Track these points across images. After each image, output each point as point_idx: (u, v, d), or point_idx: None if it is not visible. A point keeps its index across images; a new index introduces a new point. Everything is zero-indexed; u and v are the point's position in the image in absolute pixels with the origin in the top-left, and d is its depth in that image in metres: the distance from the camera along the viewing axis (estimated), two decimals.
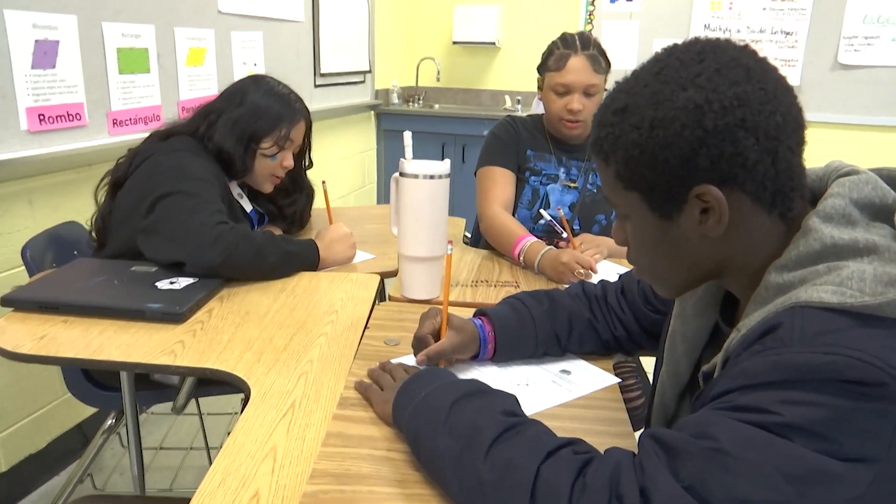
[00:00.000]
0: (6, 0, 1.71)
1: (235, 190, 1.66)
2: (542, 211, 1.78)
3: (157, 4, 2.25)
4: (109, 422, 1.70)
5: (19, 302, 1.25)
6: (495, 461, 0.69)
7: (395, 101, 4.58)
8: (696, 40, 0.73)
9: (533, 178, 1.83)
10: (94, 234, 1.57)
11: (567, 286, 1.22)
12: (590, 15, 4.57)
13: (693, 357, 0.90)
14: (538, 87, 1.85)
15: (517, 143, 1.83)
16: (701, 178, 0.69)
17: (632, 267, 0.86)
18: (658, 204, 0.73)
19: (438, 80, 4.74)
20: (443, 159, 1.32)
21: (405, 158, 1.32)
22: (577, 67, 1.70)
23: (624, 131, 0.72)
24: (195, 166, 1.48)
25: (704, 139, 0.67)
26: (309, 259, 1.51)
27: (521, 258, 1.60)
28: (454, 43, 4.62)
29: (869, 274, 0.64)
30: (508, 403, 0.79)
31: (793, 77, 4.31)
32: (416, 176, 1.29)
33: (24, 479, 2.00)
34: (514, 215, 1.80)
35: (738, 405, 0.63)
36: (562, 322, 1.12)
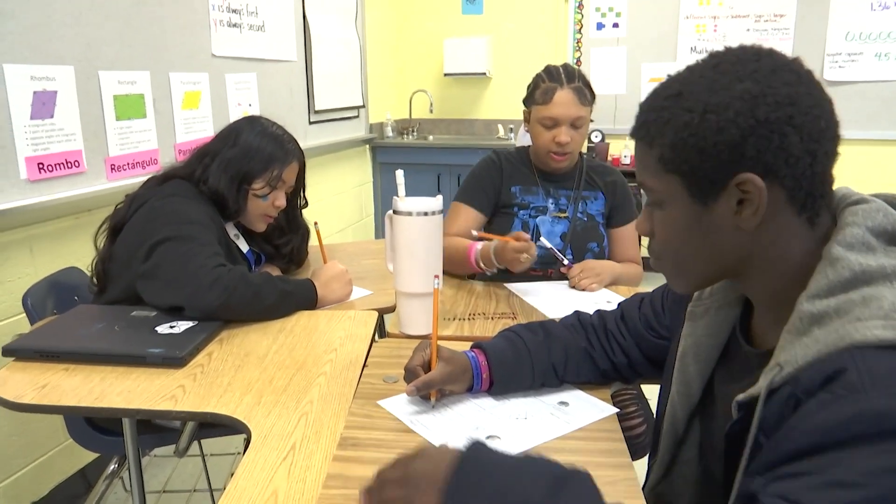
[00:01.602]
0: (5, 54, 1.76)
1: (232, 231, 1.68)
2: (542, 239, 1.79)
3: (151, 51, 2.30)
4: (112, 466, 1.70)
5: (20, 351, 1.26)
6: None
7: (390, 134, 4.63)
8: (752, 46, 0.76)
9: (521, 212, 1.85)
10: (94, 280, 1.59)
11: (563, 317, 1.23)
12: (577, 42, 4.64)
13: (705, 376, 0.92)
14: (524, 119, 1.88)
15: (499, 183, 1.86)
16: (745, 166, 0.71)
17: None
18: (698, 188, 0.75)
19: (431, 111, 4.80)
20: (438, 190, 1.35)
21: (398, 196, 1.35)
22: (563, 101, 1.74)
23: (675, 115, 0.74)
24: (191, 210, 1.51)
25: (755, 128, 0.70)
26: (307, 298, 1.53)
27: (480, 263, 1.67)
28: (445, 75, 4.69)
29: None
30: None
31: None
32: (409, 213, 1.32)
33: None
34: None
35: (832, 481, 0.60)
36: (558, 352, 1.13)
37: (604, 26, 4.59)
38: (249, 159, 1.60)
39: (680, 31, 4.47)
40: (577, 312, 1.22)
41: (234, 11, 2.77)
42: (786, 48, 4.33)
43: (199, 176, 1.60)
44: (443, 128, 4.94)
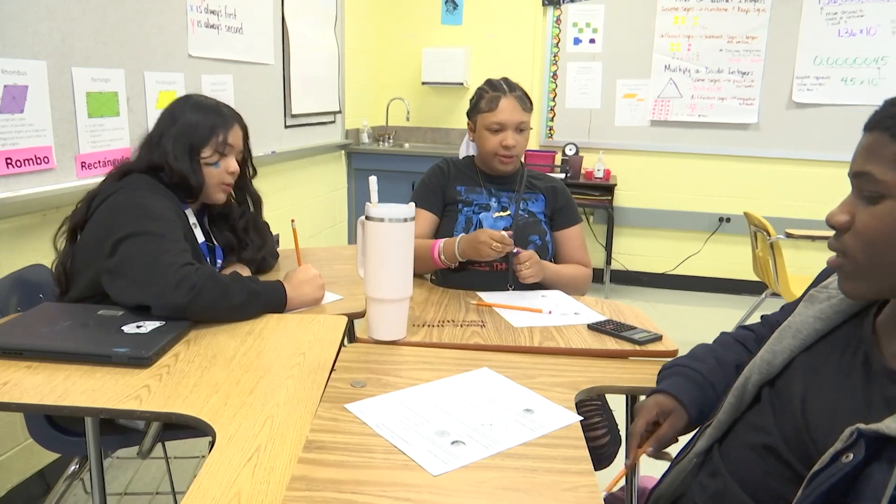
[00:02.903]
0: None
1: (191, 219, 1.66)
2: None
3: (127, 49, 2.28)
4: (73, 467, 1.67)
5: None
6: None
7: (366, 140, 4.64)
8: None
9: (465, 208, 1.94)
10: (56, 282, 1.57)
11: (716, 339, 1.22)
12: (554, 56, 4.70)
13: (794, 354, 0.93)
14: (469, 129, 1.99)
15: (444, 183, 1.97)
16: None
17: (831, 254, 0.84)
18: None
19: (408, 119, 4.82)
20: (411, 196, 1.35)
21: (370, 202, 1.36)
22: (508, 107, 1.86)
23: None
24: (156, 205, 1.50)
25: None
26: (276, 299, 1.53)
27: (441, 257, 1.78)
28: (423, 83, 4.72)
29: None
30: None
31: (749, 115, 4.48)
32: (381, 219, 1.33)
33: None
34: None
35: None
36: (730, 373, 1.11)
37: (580, 41, 4.65)
38: (193, 131, 1.60)
39: (655, 49, 4.55)
40: (723, 333, 1.22)
41: (213, 13, 2.76)
42: (756, 69, 4.44)
43: (157, 162, 1.58)
44: (419, 136, 4.96)
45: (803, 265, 4.11)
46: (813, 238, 3.53)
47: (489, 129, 1.88)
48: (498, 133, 1.88)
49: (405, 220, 1.33)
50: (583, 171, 4.57)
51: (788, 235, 3.47)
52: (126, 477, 2.27)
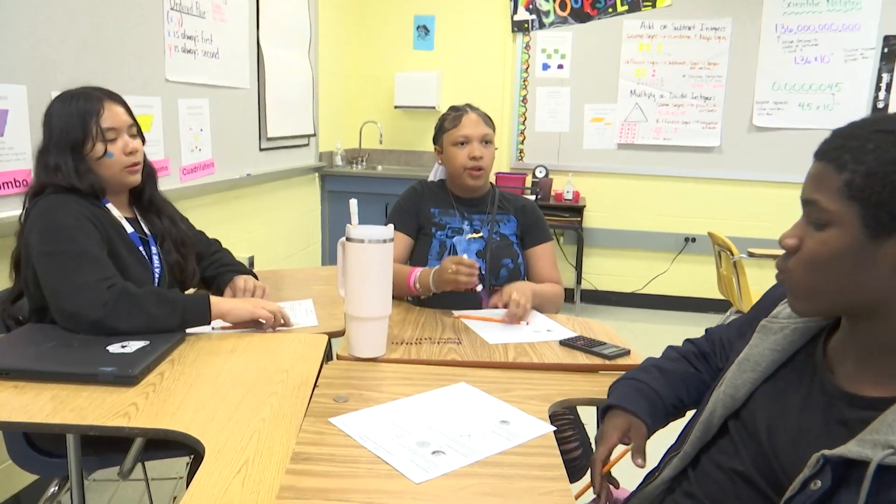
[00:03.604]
0: None
1: (114, 212, 1.63)
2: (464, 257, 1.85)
3: (106, 74, 2.31)
4: (52, 489, 1.68)
5: None
6: None
7: (339, 163, 4.69)
8: None
9: (439, 232, 2.00)
10: (18, 318, 1.61)
11: (663, 353, 1.29)
12: (524, 81, 4.82)
13: (755, 386, 0.98)
14: (437, 153, 2.06)
15: (419, 205, 2.03)
16: None
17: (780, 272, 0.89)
18: (875, 222, 0.78)
19: (381, 142, 4.89)
20: (387, 218, 1.41)
21: (351, 224, 1.41)
22: (472, 121, 1.99)
23: (883, 148, 0.77)
24: (65, 217, 1.49)
25: None
26: (197, 308, 1.52)
27: (417, 286, 1.84)
28: (396, 107, 4.80)
29: None
30: None
31: (712, 138, 4.64)
32: (361, 241, 1.38)
33: None
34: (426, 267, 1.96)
35: None
36: (678, 385, 1.19)
37: (549, 67, 4.78)
38: (68, 132, 1.54)
39: (621, 74, 4.70)
40: (670, 347, 1.29)
41: (190, 38, 2.81)
42: (718, 94, 4.61)
43: (51, 178, 1.54)
44: (392, 158, 5.03)
45: (766, 283, 4.22)
46: (774, 257, 3.65)
47: (455, 144, 1.97)
48: (464, 146, 1.97)
49: (384, 241, 1.39)
50: (553, 193, 4.67)
51: (751, 254, 3.59)
52: (103, 500, 2.26)
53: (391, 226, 1.42)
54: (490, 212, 2.02)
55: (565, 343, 1.58)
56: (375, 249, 1.39)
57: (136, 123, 1.66)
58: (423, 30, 4.84)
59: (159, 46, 2.61)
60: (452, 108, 2.04)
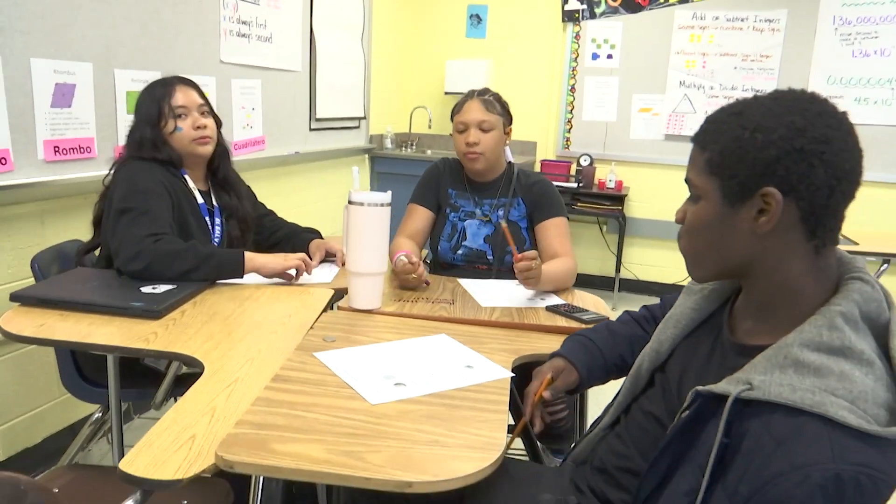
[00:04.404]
0: (33, 49, 2.02)
1: (190, 184, 1.91)
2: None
3: (164, 54, 2.56)
4: (97, 415, 1.93)
5: (24, 298, 1.50)
6: None
7: (389, 145, 4.88)
8: (812, 92, 0.90)
9: (453, 214, 2.13)
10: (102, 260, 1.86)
11: (618, 317, 1.42)
12: (573, 70, 4.89)
13: (676, 341, 1.11)
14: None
15: (439, 182, 2.16)
16: (772, 182, 0.85)
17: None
18: (731, 192, 0.88)
19: (430, 127, 5.06)
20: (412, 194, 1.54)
21: (353, 189, 1.58)
22: (471, 108, 2.07)
23: (731, 128, 0.88)
24: (144, 180, 1.76)
25: (790, 153, 0.83)
26: (231, 261, 1.75)
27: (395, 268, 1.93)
28: (446, 93, 4.95)
29: (871, 395, 0.78)
30: None
31: None
32: (361, 204, 1.55)
33: (19, 470, 2.20)
34: (437, 248, 2.13)
35: None
36: (623, 345, 1.32)
37: (598, 57, 4.83)
38: (148, 113, 1.85)
39: (670, 65, 4.70)
40: (626, 312, 1.42)
41: (244, 23, 3.04)
42: (770, 88, 4.53)
43: (137, 151, 1.83)
44: (440, 143, 5.19)
45: None
46: None
47: (457, 129, 2.09)
48: (463, 133, 2.07)
49: (381, 205, 1.55)
50: (595, 181, 4.73)
51: None
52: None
53: (389, 192, 1.58)
54: (503, 195, 2.11)
55: (550, 308, 1.71)
56: (373, 212, 1.55)
57: (207, 104, 1.95)
58: (476, 18, 4.97)
59: (215, 30, 2.85)
60: (467, 94, 2.13)
